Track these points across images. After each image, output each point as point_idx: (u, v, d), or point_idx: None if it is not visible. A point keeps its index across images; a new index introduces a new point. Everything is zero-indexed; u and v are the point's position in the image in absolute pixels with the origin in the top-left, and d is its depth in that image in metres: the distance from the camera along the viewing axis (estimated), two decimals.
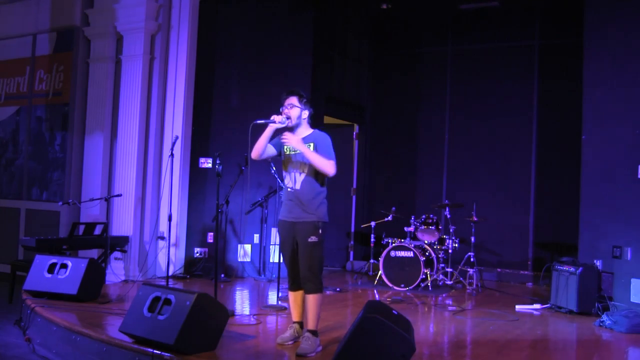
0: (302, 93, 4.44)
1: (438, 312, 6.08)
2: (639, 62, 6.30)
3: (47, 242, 6.58)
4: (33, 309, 5.16)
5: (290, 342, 4.43)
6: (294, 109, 4.37)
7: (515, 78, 8.87)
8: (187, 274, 7.69)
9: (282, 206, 4.47)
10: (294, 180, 4.36)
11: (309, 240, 4.25)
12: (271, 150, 4.42)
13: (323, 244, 4.35)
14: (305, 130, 4.44)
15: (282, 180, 4.49)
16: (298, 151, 4.30)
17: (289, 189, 4.37)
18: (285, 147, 4.40)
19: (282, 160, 4.48)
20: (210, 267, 7.70)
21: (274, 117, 4.30)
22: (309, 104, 4.47)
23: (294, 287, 4.46)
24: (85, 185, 7.96)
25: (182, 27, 7.80)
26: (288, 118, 4.34)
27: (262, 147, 4.32)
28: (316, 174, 4.33)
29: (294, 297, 4.49)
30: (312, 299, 4.29)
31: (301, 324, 4.52)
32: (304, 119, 4.43)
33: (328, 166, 4.25)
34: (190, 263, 7.85)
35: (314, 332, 4.28)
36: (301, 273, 4.31)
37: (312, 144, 4.33)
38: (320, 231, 4.29)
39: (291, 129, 4.38)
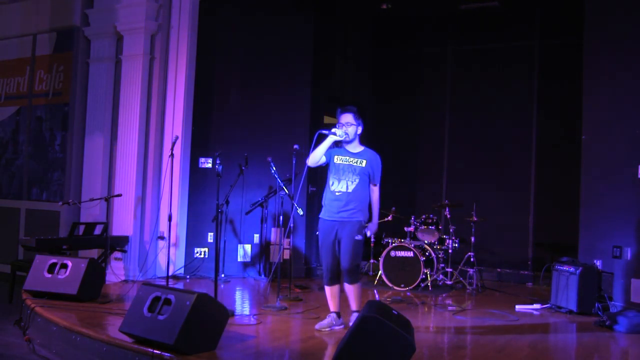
0: (357, 110, 4.83)
1: (438, 312, 6.08)
2: (639, 62, 6.30)
3: (47, 242, 6.57)
4: (33, 309, 5.16)
5: (327, 329, 4.83)
6: (352, 127, 4.83)
7: (515, 78, 8.86)
8: (187, 274, 7.70)
9: (325, 207, 4.87)
10: (346, 185, 4.78)
11: (356, 238, 4.72)
12: (324, 159, 4.84)
13: (363, 243, 4.86)
14: (357, 146, 4.92)
15: (330, 184, 4.86)
16: (351, 162, 4.80)
17: (337, 192, 4.79)
18: (336, 156, 4.84)
19: (333, 168, 4.86)
20: (210, 267, 7.70)
21: (336, 130, 4.75)
22: (361, 119, 4.85)
23: (331, 282, 4.88)
24: (85, 185, 7.96)
25: (182, 27, 7.80)
26: (346, 134, 4.79)
27: (320, 156, 4.78)
28: (365, 183, 4.82)
29: (330, 290, 4.91)
30: (355, 288, 4.82)
31: (339, 313, 4.93)
32: (358, 134, 4.89)
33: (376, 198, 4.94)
34: (190, 263, 7.85)
35: (359, 312, 4.71)
36: (344, 266, 4.75)
37: (364, 161, 4.82)
38: (364, 230, 4.80)
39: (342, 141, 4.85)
